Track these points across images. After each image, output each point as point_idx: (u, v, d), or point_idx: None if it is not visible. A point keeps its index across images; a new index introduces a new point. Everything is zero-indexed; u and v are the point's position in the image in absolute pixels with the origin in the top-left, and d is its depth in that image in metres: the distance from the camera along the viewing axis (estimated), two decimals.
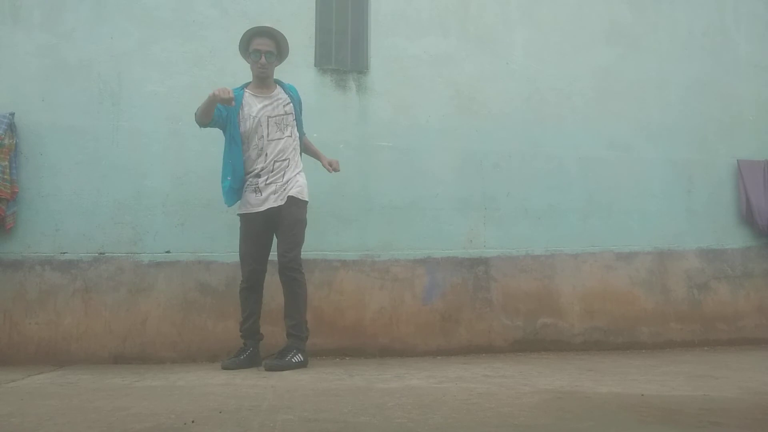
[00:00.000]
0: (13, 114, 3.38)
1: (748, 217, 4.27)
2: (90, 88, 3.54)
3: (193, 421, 1.89)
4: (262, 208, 3.13)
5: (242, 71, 3.68)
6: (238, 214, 3.23)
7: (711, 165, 4.31)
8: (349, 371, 2.99)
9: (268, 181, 3.15)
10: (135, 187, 3.52)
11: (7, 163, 3.30)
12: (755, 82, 4.45)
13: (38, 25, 3.52)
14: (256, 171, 3.17)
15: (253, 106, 3.19)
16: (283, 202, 3.12)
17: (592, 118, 4.16)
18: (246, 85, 3.28)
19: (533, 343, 3.85)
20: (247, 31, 3.25)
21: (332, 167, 3.33)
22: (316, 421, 1.91)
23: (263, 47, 3.20)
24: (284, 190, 3.14)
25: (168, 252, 3.51)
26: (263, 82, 3.25)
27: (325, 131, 3.70)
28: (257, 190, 3.15)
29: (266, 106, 3.20)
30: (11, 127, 3.35)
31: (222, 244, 3.56)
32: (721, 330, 4.14)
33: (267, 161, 3.16)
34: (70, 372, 3.04)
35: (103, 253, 3.45)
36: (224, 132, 3.22)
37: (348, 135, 3.78)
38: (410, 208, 3.81)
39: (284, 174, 3.16)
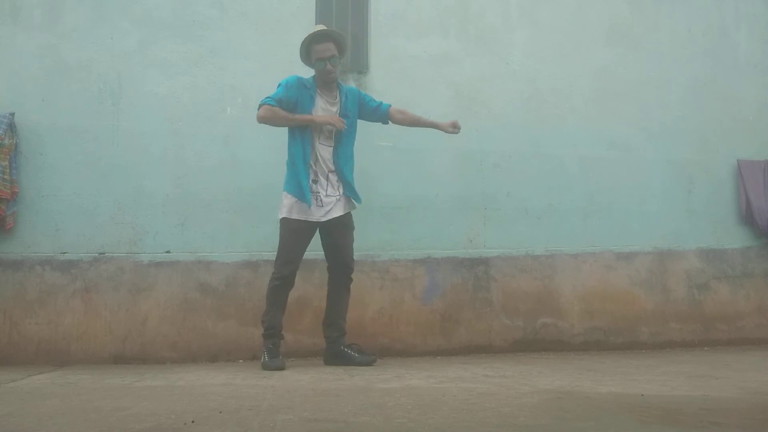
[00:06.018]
0: (13, 114, 3.38)
1: (748, 217, 4.27)
2: (90, 88, 3.54)
3: (193, 421, 1.89)
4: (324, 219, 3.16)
5: (242, 71, 3.70)
6: (291, 218, 3.13)
7: (711, 165, 4.30)
8: (349, 371, 2.99)
9: (328, 194, 3.18)
10: (135, 187, 3.52)
11: (7, 163, 3.30)
12: (755, 82, 4.45)
13: (38, 25, 3.53)
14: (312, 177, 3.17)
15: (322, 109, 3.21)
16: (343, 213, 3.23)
17: (592, 118, 4.16)
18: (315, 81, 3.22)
19: (533, 343, 3.85)
20: (306, 37, 3.17)
21: (455, 128, 3.38)
22: (316, 421, 1.91)
23: (326, 53, 3.12)
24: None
25: (168, 252, 3.51)
26: (329, 86, 3.24)
27: None
28: (318, 199, 3.16)
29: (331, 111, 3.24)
30: (11, 127, 3.36)
31: (222, 244, 3.56)
32: (721, 330, 4.14)
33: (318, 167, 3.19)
34: (70, 372, 3.04)
35: (103, 253, 3.45)
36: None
37: None
38: (410, 208, 3.81)
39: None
